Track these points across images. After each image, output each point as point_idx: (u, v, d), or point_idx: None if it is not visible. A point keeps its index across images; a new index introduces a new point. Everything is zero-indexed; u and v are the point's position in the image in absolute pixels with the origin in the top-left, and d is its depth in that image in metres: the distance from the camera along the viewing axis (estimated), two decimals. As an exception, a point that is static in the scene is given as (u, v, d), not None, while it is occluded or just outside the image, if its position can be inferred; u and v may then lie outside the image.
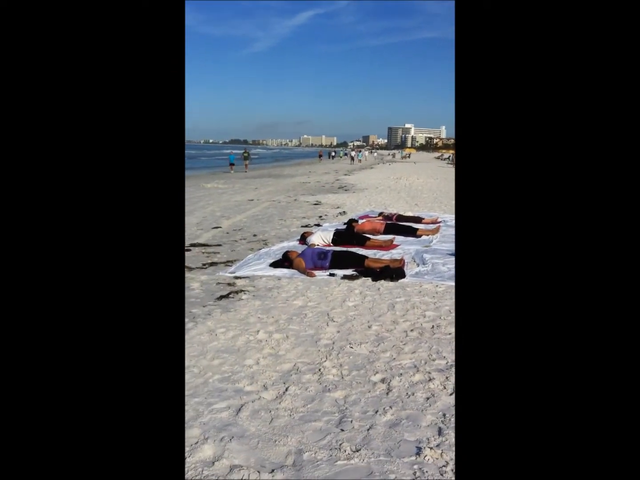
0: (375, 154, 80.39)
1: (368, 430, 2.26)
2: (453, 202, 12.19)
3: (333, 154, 56.65)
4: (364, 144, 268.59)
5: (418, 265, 5.64)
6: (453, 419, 2.35)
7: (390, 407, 2.47)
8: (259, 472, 1.95)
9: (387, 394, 2.62)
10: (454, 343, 3.33)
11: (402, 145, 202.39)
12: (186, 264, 5.46)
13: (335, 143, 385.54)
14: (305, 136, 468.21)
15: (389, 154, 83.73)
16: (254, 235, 7.64)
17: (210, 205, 11.47)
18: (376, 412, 2.42)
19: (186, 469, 1.95)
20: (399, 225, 7.85)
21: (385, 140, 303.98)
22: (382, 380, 2.77)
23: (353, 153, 46.68)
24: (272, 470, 1.96)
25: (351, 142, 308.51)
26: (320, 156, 53.67)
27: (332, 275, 5.14)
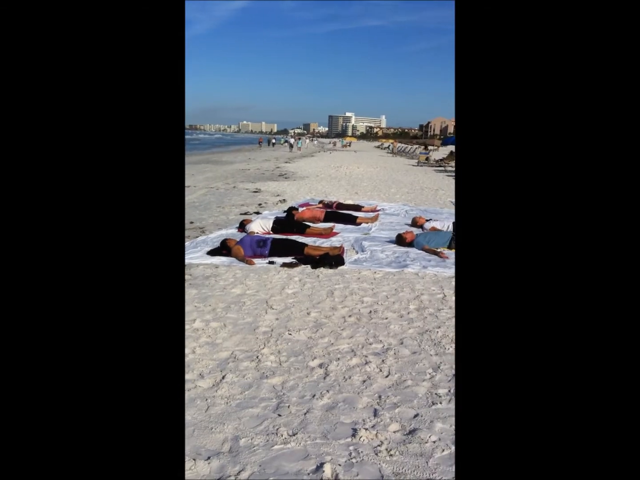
0: (316, 142, 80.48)
1: (305, 414, 2.28)
2: (392, 191, 12.45)
3: (274, 141, 56.22)
4: (305, 131, 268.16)
5: (357, 252, 5.73)
6: (388, 400, 2.41)
7: (327, 391, 2.51)
8: (194, 459, 1.93)
9: (325, 378, 2.65)
10: (390, 327, 3.42)
11: (343, 134, 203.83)
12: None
13: (275, 130, 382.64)
14: (244, 122, 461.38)
15: (329, 143, 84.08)
16: (191, 223, 7.47)
17: (145, 192, 11.06)
18: (313, 396, 2.45)
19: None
20: (339, 214, 7.93)
21: (326, 129, 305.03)
22: (320, 365, 2.81)
23: (292, 140, 46.48)
24: (208, 458, 1.95)
25: (292, 129, 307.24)
26: (260, 143, 53.14)
27: (271, 263, 5.12)
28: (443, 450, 2.04)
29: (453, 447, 2.05)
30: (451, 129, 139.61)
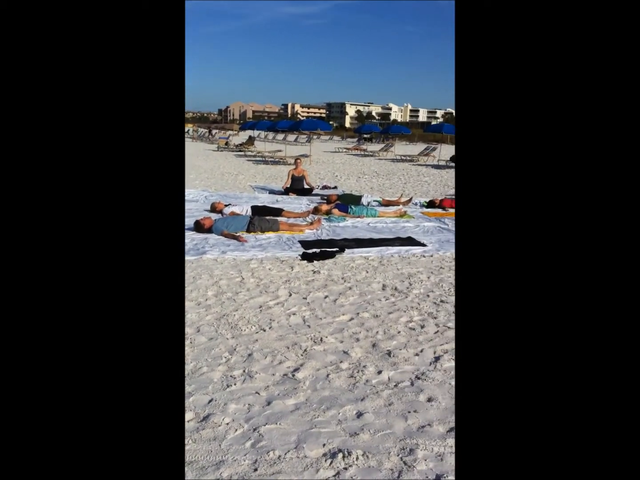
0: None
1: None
2: (191, 177, 12.13)
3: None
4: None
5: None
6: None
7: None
8: None
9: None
10: (187, 316, 3.36)
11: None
12: None
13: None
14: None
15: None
16: None
17: None
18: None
19: None
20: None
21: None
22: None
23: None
24: None
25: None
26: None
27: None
28: (236, 430, 2.09)
29: (246, 425, 2.11)
30: (250, 114, 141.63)
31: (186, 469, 1.83)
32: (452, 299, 3.89)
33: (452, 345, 3.01)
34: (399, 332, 3.21)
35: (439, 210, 8.24)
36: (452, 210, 8.34)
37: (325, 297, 3.85)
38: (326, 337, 3.09)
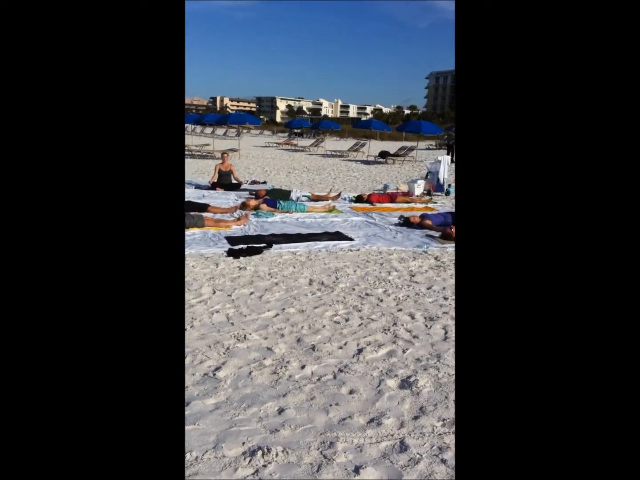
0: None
1: None
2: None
3: None
4: None
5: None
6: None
7: None
8: None
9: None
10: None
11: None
12: None
13: None
14: None
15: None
16: None
17: None
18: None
19: None
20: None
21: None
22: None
23: None
24: None
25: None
26: None
27: None
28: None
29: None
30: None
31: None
32: (377, 291, 3.96)
33: (375, 337, 3.07)
34: (324, 326, 3.23)
35: (367, 205, 8.39)
36: (380, 205, 8.52)
37: (251, 293, 3.81)
38: (250, 334, 3.05)
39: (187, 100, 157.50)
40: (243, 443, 1.98)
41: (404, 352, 2.88)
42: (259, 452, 1.92)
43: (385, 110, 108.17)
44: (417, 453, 1.96)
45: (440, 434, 2.08)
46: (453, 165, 15.76)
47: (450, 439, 2.05)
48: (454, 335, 3.15)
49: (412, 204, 8.81)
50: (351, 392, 2.41)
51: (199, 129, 34.02)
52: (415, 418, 2.20)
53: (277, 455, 1.91)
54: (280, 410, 2.23)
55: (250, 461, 1.88)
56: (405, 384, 2.50)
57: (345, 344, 2.97)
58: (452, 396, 2.38)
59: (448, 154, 16.44)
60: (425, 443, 2.03)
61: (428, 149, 27.22)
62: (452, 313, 3.54)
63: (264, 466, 1.86)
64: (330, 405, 2.29)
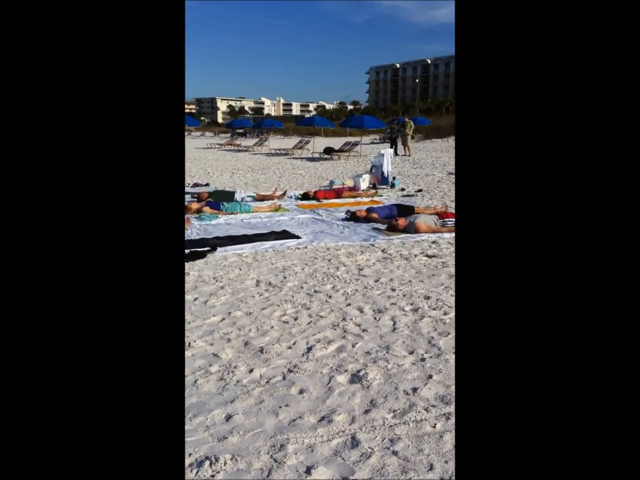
0: None
1: None
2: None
3: None
4: None
5: None
6: None
7: None
8: None
9: None
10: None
11: None
12: None
13: None
14: None
15: None
16: None
17: None
18: None
19: None
20: None
21: None
22: None
23: None
24: None
25: None
26: None
27: None
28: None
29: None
30: None
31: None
32: (326, 287, 3.95)
33: (325, 333, 3.05)
34: (272, 327, 3.17)
35: (314, 202, 8.39)
36: (326, 201, 8.54)
37: (195, 299, 3.70)
38: (195, 341, 2.96)
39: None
40: (190, 454, 1.91)
41: (353, 346, 2.87)
42: (207, 463, 1.85)
43: (329, 106, 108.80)
44: (369, 447, 1.95)
45: (391, 426, 2.08)
46: (397, 158, 16.04)
47: (401, 430, 2.05)
48: (402, 325, 3.17)
49: (358, 199, 8.88)
50: (301, 391, 2.38)
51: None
52: (366, 412, 2.19)
53: (225, 463, 1.85)
54: (228, 417, 2.16)
55: (197, 472, 1.81)
56: (356, 378, 2.49)
57: (294, 343, 2.93)
58: (402, 386, 2.40)
59: (391, 147, 16.70)
60: (376, 436, 2.02)
61: (372, 143, 27.54)
62: (400, 304, 3.57)
63: (212, 476, 1.79)
64: (280, 407, 2.24)
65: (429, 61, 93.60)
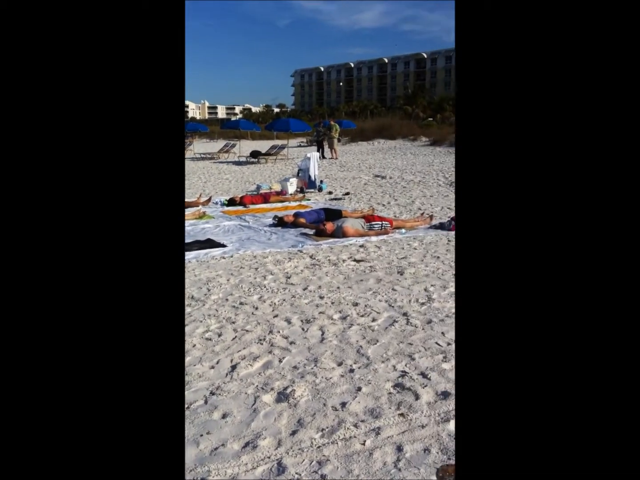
0: None
1: None
2: None
3: None
4: None
5: None
6: None
7: None
8: None
9: None
10: None
11: None
12: None
13: None
14: None
15: None
16: None
17: None
18: None
19: None
20: None
21: None
22: None
23: None
24: None
25: None
26: None
27: None
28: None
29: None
30: None
31: None
32: (252, 298, 3.81)
33: (250, 349, 2.92)
34: (194, 345, 2.99)
35: (240, 208, 8.19)
36: (253, 207, 8.37)
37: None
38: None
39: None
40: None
41: (280, 361, 2.76)
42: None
43: (255, 109, 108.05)
44: (296, 473, 1.84)
45: (319, 447, 1.99)
46: (324, 161, 16.11)
47: (329, 450, 1.97)
48: (330, 335, 3.10)
49: (286, 203, 8.79)
50: (224, 416, 2.23)
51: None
52: (293, 433, 2.09)
53: (138, 508, 1.68)
54: (144, 452, 1.98)
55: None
56: (282, 396, 2.38)
57: (217, 362, 2.77)
58: (330, 402, 2.31)
59: (318, 151, 16.77)
60: (304, 460, 1.92)
61: (300, 146, 27.58)
62: (328, 312, 3.50)
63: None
64: (201, 435, 2.09)
65: (352, 65, 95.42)
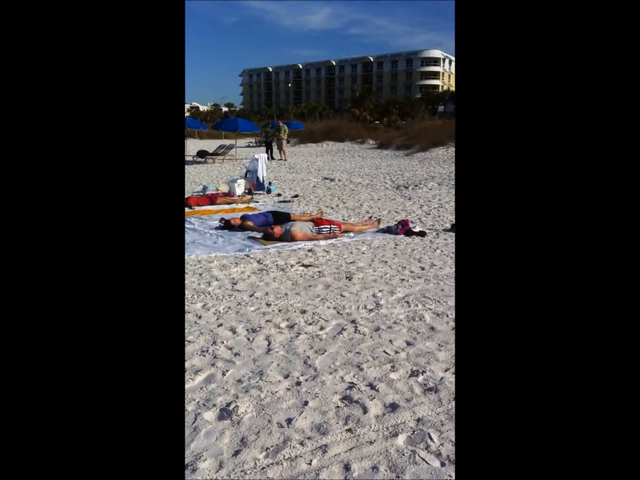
0: None
1: None
2: None
3: None
4: None
5: None
6: None
7: None
8: None
9: None
10: None
11: None
12: None
13: None
14: None
15: None
16: None
17: None
18: None
19: None
20: None
21: None
22: None
23: None
24: None
25: None
26: None
27: None
28: None
29: None
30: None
31: None
32: (195, 306, 3.65)
33: (192, 362, 2.77)
34: (131, 358, 2.82)
35: (186, 210, 7.94)
36: (199, 208, 8.14)
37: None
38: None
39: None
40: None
41: (223, 374, 2.63)
42: None
43: (203, 108, 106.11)
44: (238, 498, 1.74)
45: (263, 468, 1.89)
46: (272, 163, 15.95)
47: (274, 472, 1.87)
48: (277, 345, 3.00)
49: (233, 205, 8.61)
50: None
51: None
52: (236, 454, 1.98)
53: None
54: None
55: None
56: (225, 413, 2.26)
57: (156, 376, 2.61)
58: (275, 418, 2.22)
59: (267, 152, 16.60)
60: (247, 483, 1.81)
61: (248, 146, 27.26)
62: (275, 320, 3.40)
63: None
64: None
65: (301, 66, 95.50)
